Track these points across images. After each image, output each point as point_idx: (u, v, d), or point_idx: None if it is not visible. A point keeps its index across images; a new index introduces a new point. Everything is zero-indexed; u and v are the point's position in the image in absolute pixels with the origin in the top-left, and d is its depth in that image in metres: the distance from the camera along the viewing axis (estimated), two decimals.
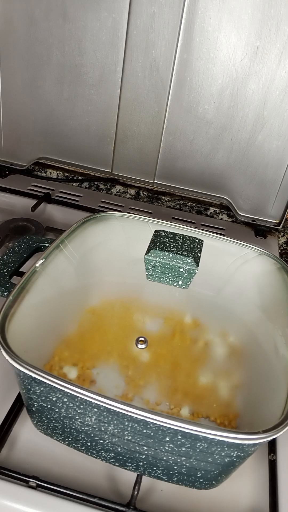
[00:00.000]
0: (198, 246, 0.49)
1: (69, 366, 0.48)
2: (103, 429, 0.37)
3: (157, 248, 0.47)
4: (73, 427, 0.38)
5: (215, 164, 0.77)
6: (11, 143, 0.85)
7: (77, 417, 0.37)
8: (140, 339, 0.50)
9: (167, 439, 0.35)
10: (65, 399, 0.36)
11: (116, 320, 0.53)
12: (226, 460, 0.36)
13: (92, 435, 0.38)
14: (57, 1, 0.69)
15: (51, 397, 0.37)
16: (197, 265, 0.47)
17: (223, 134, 0.74)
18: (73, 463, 0.43)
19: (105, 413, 0.35)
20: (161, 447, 0.36)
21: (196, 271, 0.47)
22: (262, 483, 0.44)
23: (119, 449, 0.38)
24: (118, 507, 0.39)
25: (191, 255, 0.47)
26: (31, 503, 0.38)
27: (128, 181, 0.86)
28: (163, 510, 0.41)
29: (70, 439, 0.40)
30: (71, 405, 0.36)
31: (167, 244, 0.48)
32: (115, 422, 0.35)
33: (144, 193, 0.90)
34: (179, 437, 0.34)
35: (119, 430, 0.36)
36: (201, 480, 0.39)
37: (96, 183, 0.92)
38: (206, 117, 0.73)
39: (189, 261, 0.47)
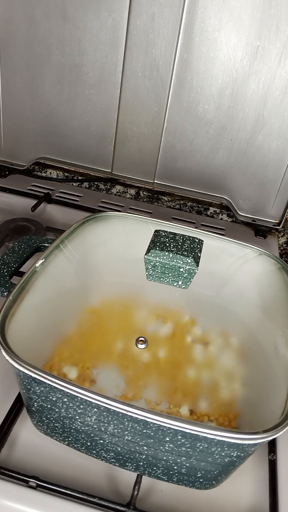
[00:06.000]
0: (198, 246, 0.49)
1: (69, 366, 0.48)
2: (103, 429, 0.37)
3: (157, 248, 0.47)
4: (73, 427, 0.38)
5: (215, 164, 0.77)
6: (11, 143, 0.85)
7: (77, 417, 0.37)
8: (140, 339, 0.50)
9: (167, 439, 0.35)
10: (65, 399, 0.36)
11: (116, 320, 0.53)
12: (226, 460, 0.36)
13: (92, 435, 0.38)
14: (57, 1, 0.69)
15: (51, 397, 0.37)
16: (197, 265, 0.47)
17: (223, 134, 0.74)
18: (73, 463, 0.43)
19: (105, 413, 0.35)
20: (161, 447, 0.36)
21: (196, 271, 0.47)
22: (262, 483, 0.44)
23: (119, 449, 0.38)
24: (118, 507, 0.39)
25: (191, 255, 0.47)
26: (31, 503, 0.39)
27: (128, 181, 0.86)
28: (163, 510, 0.41)
29: (70, 439, 0.40)
30: (71, 405, 0.36)
31: (167, 244, 0.48)
32: (115, 422, 0.35)
33: (144, 193, 0.90)
34: (179, 437, 0.34)
35: (119, 430, 0.36)
36: (201, 480, 0.39)
37: (96, 183, 0.92)
38: (206, 117, 0.73)
39: (189, 261, 0.47)
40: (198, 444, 0.34)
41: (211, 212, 0.89)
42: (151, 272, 0.49)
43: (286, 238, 0.89)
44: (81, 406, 0.35)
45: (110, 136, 0.79)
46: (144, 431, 0.35)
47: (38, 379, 0.34)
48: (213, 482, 0.40)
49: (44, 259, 0.46)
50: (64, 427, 0.39)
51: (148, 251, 0.48)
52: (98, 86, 0.74)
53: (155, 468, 0.39)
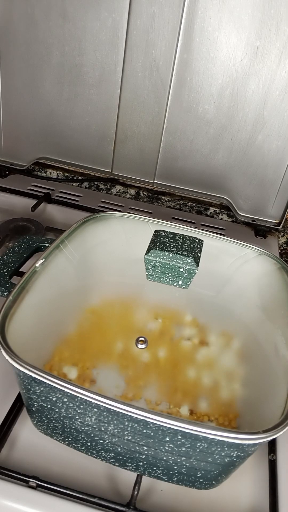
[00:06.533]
0: (198, 246, 0.49)
1: (69, 366, 0.48)
2: (103, 429, 0.37)
3: (157, 248, 0.47)
4: (73, 427, 0.38)
5: (215, 164, 0.77)
6: (11, 143, 0.85)
7: (77, 417, 0.37)
8: (140, 339, 0.50)
9: (167, 439, 0.35)
10: (65, 399, 0.36)
11: (116, 320, 0.53)
12: (226, 460, 0.36)
13: (92, 435, 0.38)
14: (57, 1, 0.69)
15: (51, 397, 0.37)
16: (197, 265, 0.47)
17: (223, 134, 0.74)
18: (73, 463, 0.43)
19: (105, 413, 0.35)
20: (161, 447, 0.36)
21: (196, 271, 0.47)
22: (262, 483, 0.44)
23: (119, 449, 0.38)
24: (118, 507, 0.39)
25: (191, 255, 0.47)
26: (31, 503, 0.39)
27: (128, 181, 0.86)
28: (163, 510, 0.41)
29: (70, 439, 0.40)
30: (71, 405, 0.36)
31: (167, 244, 0.48)
32: (115, 422, 0.35)
33: (144, 193, 0.90)
34: (179, 437, 0.34)
35: (119, 430, 0.36)
36: (201, 480, 0.39)
37: (96, 183, 0.92)
38: (206, 117, 0.73)
39: (189, 261, 0.47)
40: (198, 444, 0.34)
41: (211, 212, 0.89)
42: (151, 272, 0.49)
43: (286, 238, 0.89)
44: (81, 406, 0.35)
45: (110, 136, 0.79)
46: (144, 431, 0.35)
47: (38, 379, 0.34)
48: (213, 482, 0.40)
49: (44, 259, 0.46)
50: (64, 427, 0.39)
51: (148, 251, 0.48)
52: (98, 86, 0.74)
53: (155, 468, 0.39)
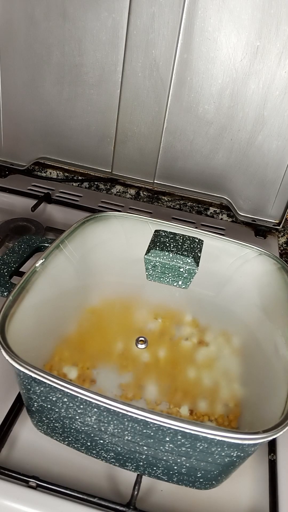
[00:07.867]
0: (198, 246, 0.49)
1: (69, 366, 0.48)
2: (103, 429, 0.37)
3: (157, 248, 0.47)
4: (73, 427, 0.38)
5: (215, 164, 0.77)
6: (11, 143, 0.85)
7: (77, 417, 0.37)
8: (140, 339, 0.50)
9: (167, 439, 0.35)
10: (65, 399, 0.36)
11: (116, 320, 0.53)
12: (226, 460, 0.36)
13: (92, 435, 0.38)
14: (57, 1, 0.69)
15: (51, 397, 0.37)
16: (197, 265, 0.47)
17: (223, 134, 0.74)
18: (73, 463, 0.43)
19: (105, 413, 0.35)
20: (161, 447, 0.36)
21: (196, 271, 0.47)
22: (262, 483, 0.44)
23: (119, 449, 0.38)
24: (118, 507, 0.39)
25: (191, 255, 0.47)
26: (31, 503, 0.39)
27: (128, 181, 0.86)
28: (163, 510, 0.41)
29: (70, 439, 0.40)
30: (71, 405, 0.36)
31: (167, 244, 0.48)
32: (115, 422, 0.35)
33: (144, 193, 0.90)
34: (179, 437, 0.34)
35: (119, 430, 0.36)
36: (201, 480, 0.39)
37: (96, 183, 0.92)
38: (206, 117, 0.73)
39: (189, 261, 0.47)
40: (198, 444, 0.34)
41: (211, 212, 0.89)
42: (151, 272, 0.49)
43: (286, 238, 0.89)
44: (81, 406, 0.35)
45: (110, 136, 0.79)
46: (144, 431, 0.35)
47: (38, 379, 0.34)
48: (213, 482, 0.40)
49: (44, 259, 0.46)
50: (64, 427, 0.39)
51: (148, 251, 0.48)
52: (98, 86, 0.74)
53: (155, 468, 0.39)
